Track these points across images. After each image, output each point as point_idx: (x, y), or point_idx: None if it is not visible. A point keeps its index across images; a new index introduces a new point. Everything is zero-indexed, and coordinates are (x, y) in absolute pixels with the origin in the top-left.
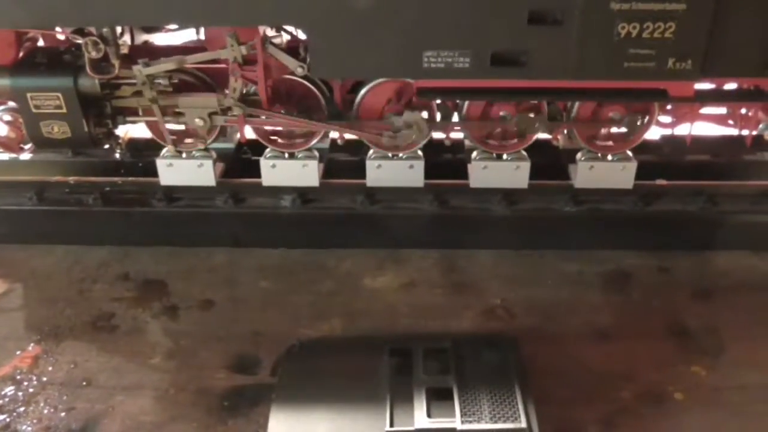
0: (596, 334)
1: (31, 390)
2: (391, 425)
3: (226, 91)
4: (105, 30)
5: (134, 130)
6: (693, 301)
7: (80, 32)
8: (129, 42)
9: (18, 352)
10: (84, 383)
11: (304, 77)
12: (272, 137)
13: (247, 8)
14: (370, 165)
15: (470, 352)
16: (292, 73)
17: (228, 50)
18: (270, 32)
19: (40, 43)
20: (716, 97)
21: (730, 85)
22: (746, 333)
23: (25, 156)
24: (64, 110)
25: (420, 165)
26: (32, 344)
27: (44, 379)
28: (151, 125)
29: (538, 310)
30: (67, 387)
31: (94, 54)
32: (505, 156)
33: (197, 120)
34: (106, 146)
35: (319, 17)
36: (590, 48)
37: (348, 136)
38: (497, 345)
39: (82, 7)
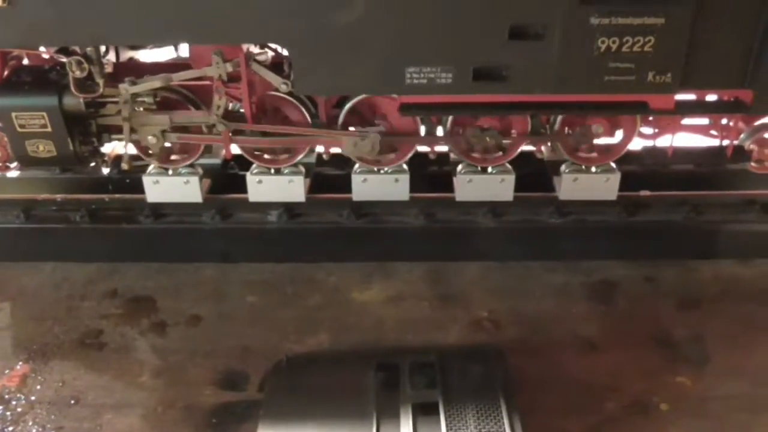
0: (582, 345)
1: (19, 409)
2: None
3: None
4: (89, 49)
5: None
6: (678, 310)
7: (64, 51)
8: (114, 59)
9: (6, 371)
10: (72, 402)
11: (289, 93)
12: (257, 153)
13: (231, 26)
14: (356, 179)
15: (456, 366)
16: (277, 90)
17: (213, 68)
18: (254, 49)
19: (25, 61)
20: (696, 109)
21: (711, 97)
22: (731, 342)
23: (12, 173)
24: (50, 129)
25: (405, 179)
26: (20, 363)
27: (32, 398)
28: (137, 143)
29: (524, 321)
30: (56, 406)
31: (78, 73)
32: (490, 169)
33: (149, 138)
34: (92, 164)
35: (302, 35)
36: (571, 62)
37: (334, 150)
38: (483, 358)
39: (66, 26)
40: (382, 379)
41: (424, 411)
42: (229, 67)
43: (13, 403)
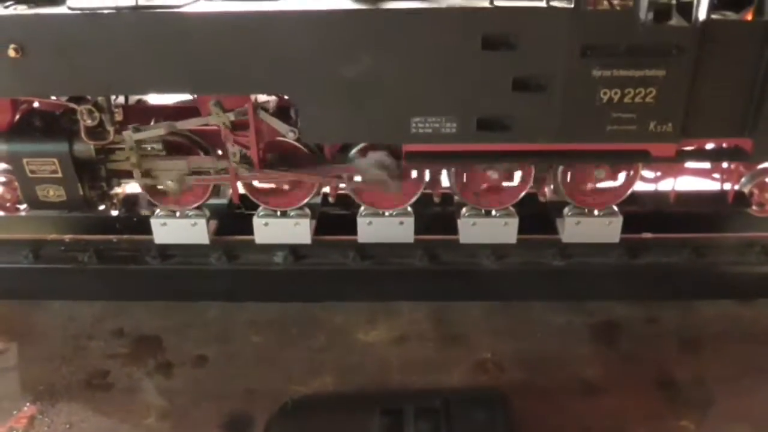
0: (585, 388)
1: None
2: None
3: (219, 152)
4: (100, 98)
5: (129, 186)
6: (681, 351)
7: (75, 99)
8: (122, 101)
9: (14, 412)
10: None
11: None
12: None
13: (240, 78)
14: (361, 222)
15: (461, 411)
16: (284, 136)
17: (215, 117)
18: (261, 97)
19: (36, 104)
20: (697, 156)
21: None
22: (734, 385)
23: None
24: (60, 175)
25: (410, 222)
26: (27, 404)
27: None
28: (145, 186)
29: (527, 363)
30: None
31: (89, 122)
32: (493, 212)
33: (168, 182)
34: (101, 207)
35: (309, 86)
36: (573, 112)
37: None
38: (487, 403)
39: (76, 77)
40: (387, 424)
41: None
42: (232, 116)
43: None
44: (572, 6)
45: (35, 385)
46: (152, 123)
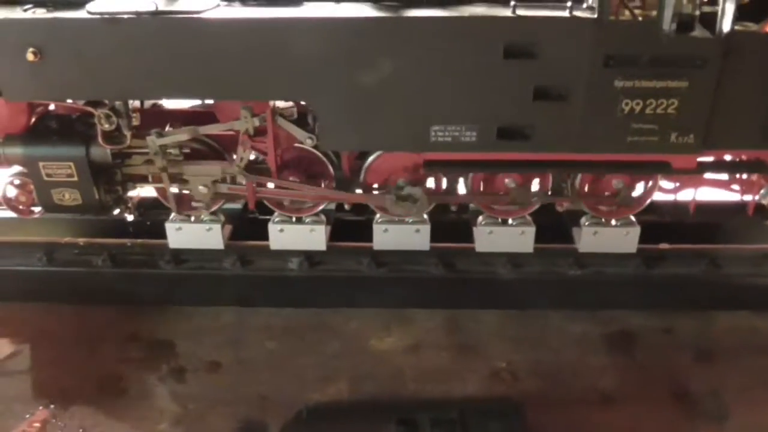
0: (601, 399)
1: None
2: None
3: (234, 157)
4: (117, 103)
5: (143, 190)
6: (696, 363)
7: (93, 103)
8: (138, 105)
9: (27, 416)
10: None
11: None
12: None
13: (259, 85)
14: (377, 229)
15: (477, 422)
16: (301, 143)
17: (242, 122)
18: (280, 103)
19: (52, 107)
20: (718, 168)
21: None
22: (750, 396)
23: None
24: (76, 179)
25: (426, 229)
26: (41, 407)
27: None
28: (160, 190)
29: (542, 373)
30: None
31: (107, 126)
32: (510, 221)
33: (200, 188)
34: (116, 211)
35: (329, 94)
36: (594, 123)
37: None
38: (504, 414)
39: (94, 82)
40: None
41: None
42: (257, 122)
43: None
44: (595, 16)
45: (48, 388)
46: (168, 128)
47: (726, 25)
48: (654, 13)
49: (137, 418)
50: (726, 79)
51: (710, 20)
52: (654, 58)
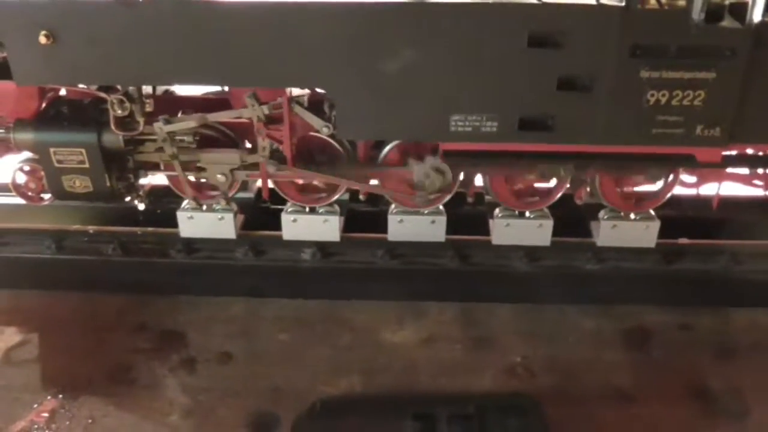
0: (618, 396)
1: None
2: None
3: (248, 146)
4: (130, 88)
5: (155, 178)
6: (715, 360)
7: (105, 88)
8: (150, 91)
9: (35, 406)
10: None
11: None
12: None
13: (276, 71)
14: (392, 220)
15: (495, 418)
16: (317, 131)
17: (249, 110)
18: (296, 91)
19: (63, 92)
20: (743, 162)
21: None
22: None
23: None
24: (87, 165)
25: (442, 220)
26: (49, 397)
27: None
28: (172, 178)
29: (558, 368)
30: None
31: (119, 112)
32: (527, 213)
33: (219, 176)
34: (128, 199)
35: (348, 82)
36: (619, 114)
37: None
38: (522, 409)
39: (108, 66)
40: (419, 430)
41: None
42: (266, 110)
43: None
44: (623, 4)
45: (57, 378)
46: (180, 114)
47: (756, 15)
48: (682, 2)
49: (147, 409)
50: (755, 71)
51: (740, 10)
52: (682, 48)
